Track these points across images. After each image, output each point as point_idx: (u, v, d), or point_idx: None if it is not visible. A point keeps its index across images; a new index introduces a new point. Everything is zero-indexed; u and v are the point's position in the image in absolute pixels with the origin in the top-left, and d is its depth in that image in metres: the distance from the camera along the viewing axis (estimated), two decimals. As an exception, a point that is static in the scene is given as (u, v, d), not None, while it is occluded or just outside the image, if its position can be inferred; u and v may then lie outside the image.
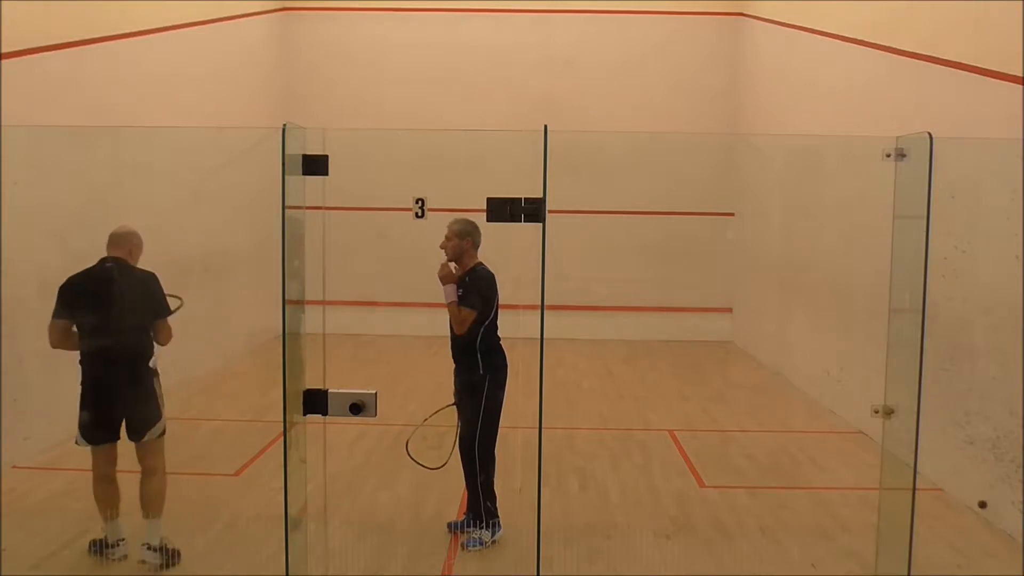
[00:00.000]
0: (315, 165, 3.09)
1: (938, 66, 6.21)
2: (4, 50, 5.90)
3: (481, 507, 4.82)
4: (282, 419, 2.97)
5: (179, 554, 4.48)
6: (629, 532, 5.14)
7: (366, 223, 11.43)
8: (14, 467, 5.86)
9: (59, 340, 4.30)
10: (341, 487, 5.71)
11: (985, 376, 5.40)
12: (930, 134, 3.43)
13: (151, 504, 4.44)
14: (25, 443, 6.01)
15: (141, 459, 4.46)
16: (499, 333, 4.90)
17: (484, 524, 4.82)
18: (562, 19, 12.41)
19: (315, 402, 2.92)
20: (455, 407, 4.92)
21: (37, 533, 4.83)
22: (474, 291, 4.72)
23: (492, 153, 9.99)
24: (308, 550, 3.39)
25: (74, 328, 4.33)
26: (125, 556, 4.49)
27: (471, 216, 4.71)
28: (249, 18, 11.12)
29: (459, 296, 4.72)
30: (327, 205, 3.23)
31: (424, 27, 12.40)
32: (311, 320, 3.25)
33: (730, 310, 12.19)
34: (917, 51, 6.60)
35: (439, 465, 4.90)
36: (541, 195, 3.54)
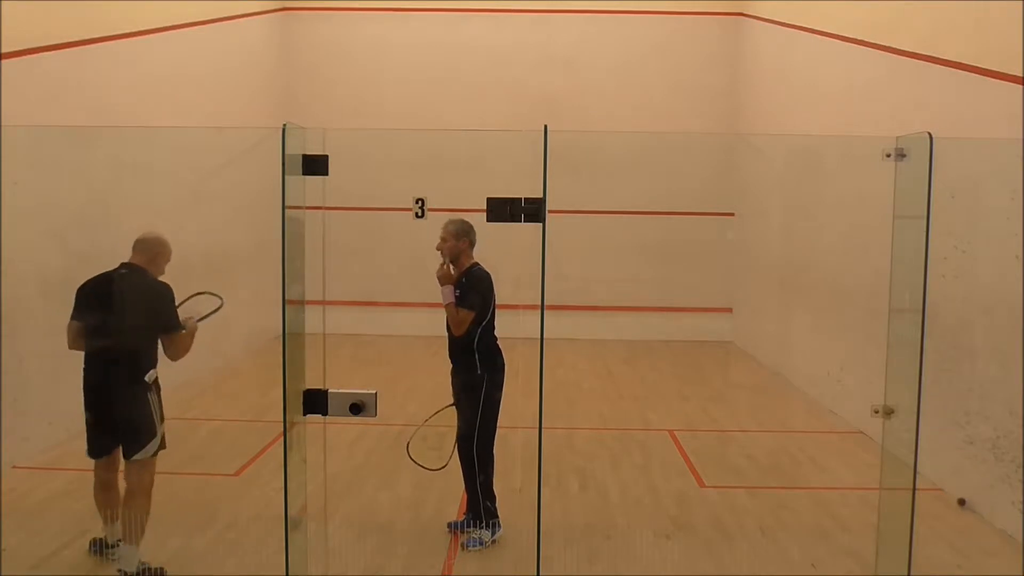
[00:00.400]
0: (315, 165, 3.08)
1: (938, 66, 6.21)
2: (4, 50, 5.90)
3: (480, 507, 4.82)
4: (282, 419, 2.97)
5: (163, 572, 4.31)
6: (629, 532, 5.14)
7: (366, 223, 11.44)
8: (14, 467, 5.86)
9: (72, 341, 4.28)
10: (341, 487, 5.71)
11: (985, 376, 5.40)
12: (930, 134, 3.43)
13: (128, 528, 4.19)
14: (25, 443, 6.00)
15: (125, 476, 4.30)
16: (497, 333, 4.90)
17: (484, 524, 4.82)
18: (562, 19, 12.41)
19: (315, 402, 2.91)
20: (454, 407, 4.93)
21: (37, 533, 4.83)
22: (472, 292, 4.73)
23: (492, 153, 9.98)
24: (308, 550, 3.39)
25: None
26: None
27: (472, 216, 4.71)
28: (249, 18, 11.11)
29: (456, 297, 4.72)
30: (327, 205, 3.23)
31: (424, 27, 12.40)
32: (311, 320, 3.25)
33: (730, 310, 12.19)
34: (917, 51, 6.60)
35: (440, 466, 4.90)
36: (541, 195, 3.54)
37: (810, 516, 5.43)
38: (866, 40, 7.61)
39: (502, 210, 3.50)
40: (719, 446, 7.19)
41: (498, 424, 4.87)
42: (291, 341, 3.08)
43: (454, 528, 4.98)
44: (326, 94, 12.26)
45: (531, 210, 3.51)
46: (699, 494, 5.83)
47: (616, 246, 12.10)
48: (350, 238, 11.03)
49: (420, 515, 5.30)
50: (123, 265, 4.32)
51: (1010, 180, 5.05)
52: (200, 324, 4.45)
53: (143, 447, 4.23)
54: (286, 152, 2.99)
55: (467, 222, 4.81)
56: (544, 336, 3.91)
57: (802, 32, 9.35)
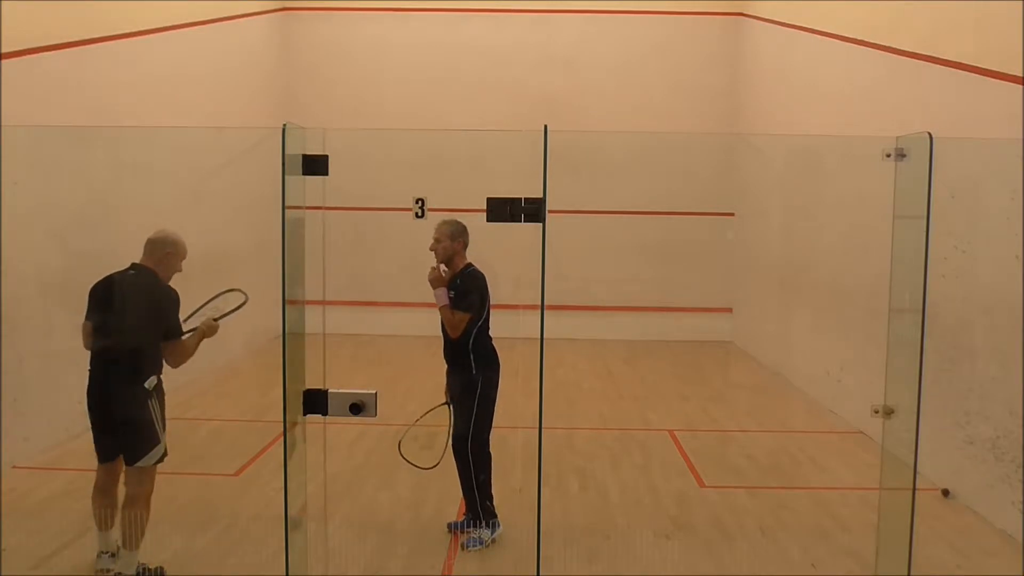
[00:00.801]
0: (315, 165, 3.08)
1: (938, 66, 6.21)
2: (4, 50, 5.90)
3: (478, 506, 4.82)
4: (282, 419, 2.97)
5: (162, 571, 4.32)
6: (629, 532, 5.14)
7: (366, 223, 11.45)
8: (14, 467, 5.86)
9: (86, 340, 4.26)
10: (341, 487, 5.71)
11: (985, 376, 5.40)
12: (930, 134, 3.43)
13: (127, 534, 4.17)
14: (25, 443, 6.00)
15: (126, 482, 4.26)
16: (494, 333, 4.90)
17: (484, 523, 4.82)
18: (562, 19, 12.41)
19: (315, 402, 2.91)
20: (447, 406, 4.94)
21: (37, 533, 4.83)
22: (468, 293, 4.72)
23: (492, 153, 9.99)
24: (308, 550, 3.39)
25: None
26: (108, 570, 4.31)
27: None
28: (249, 18, 11.11)
29: (451, 299, 4.72)
30: (327, 205, 3.23)
31: (424, 27, 12.40)
32: (311, 320, 3.25)
33: (730, 310, 12.19)
34: (917, 51, 6.60)
35: (432, 465, 4.90)
36: (541, 195, 3.54)
37: (810, 516, 5.43)
38: (866, 40, 7.61)
39: (502, 210, 3.50)
40: (719, 446, 7.19)
41: (499, 424, 4.87)
42: (291, 341, 3.08)
43: (454, 528, 4.98)
44: (326, 94, 12.26)
45: (531, 210, 3.51)
46: (699, 494, 5.83)
47: (616, 246, 12.10)
48: (350, 238, 11.03)
49: (420, 515, 5.30)
50: (132, 266, 4.29)
51: (1010, 180, 5.06)
52: (220, 322, 4.40)
53: (144, 454, 4.19)
54: (286, 152, 2.99)
55: (461, 223, 4.81)
56: (544, 336, 3.91)
57: (802, 32, 9.35)
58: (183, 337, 4.26)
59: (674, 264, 12.07)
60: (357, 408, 2.86)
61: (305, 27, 12.46)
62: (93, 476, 4.37)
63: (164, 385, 4.32)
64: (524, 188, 3.56)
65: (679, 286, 12.15)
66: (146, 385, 4.17)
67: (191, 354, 4.28)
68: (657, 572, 4.61)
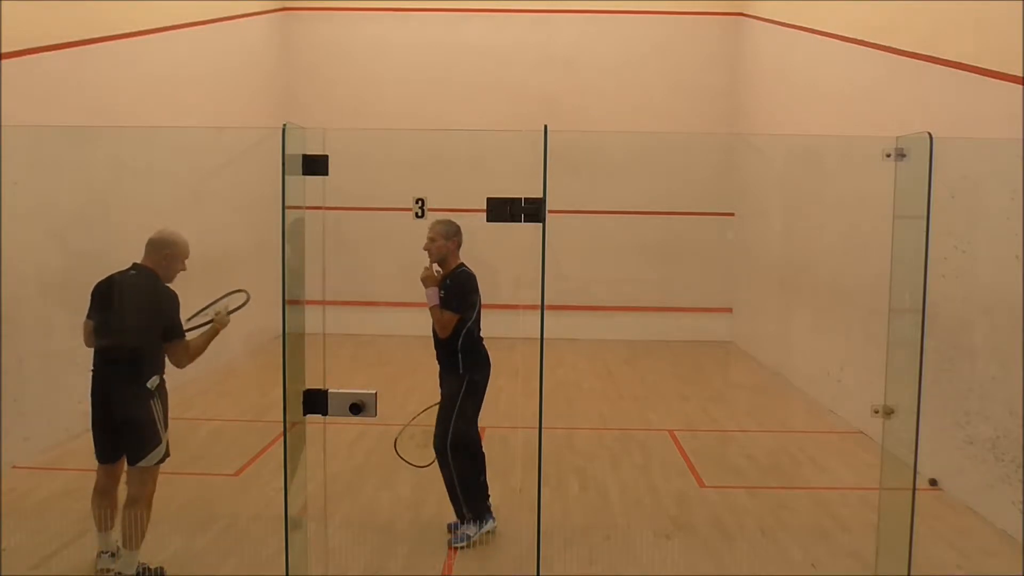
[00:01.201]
0: (315, 165, 3.09)
1: (938, 66, 6.21)
2: (4, 50, 5.90)
3: (461, 503, 4.84)
4: (282, 419, 2.97)
5: (162, 571, 4.33)
6: (629, 532, 5.14)
7: (366, 223, 11.45)
8: (14, 467, 5.86)
9: (86, 339, 4.26)
10: (341, 487, 5.71)
11: (985, 376, 5.40)
12: (930, 134, 3.44)
13: (128, 534, 4.17)
14: (25, 443, 6.00)
15: (128, 482, 4.25)
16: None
17: (471, 519, 4.82)
18: (562, 19, 12.41)
19: (315, 402, 2.91)
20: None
21: (37, 533, 4.83)
22: (456, 294, 4.72)
23: (492, 153, 9.99)
24: (308, 550, 3.40)
25: None
26: (108, 570, 4.31)
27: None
28: (249, 18, 11.11)
29: (441, 299, 4.72)
30: (327, 205, 3.23)
31: (424, 27, 12.40)
32: (311, 320, 3.25)
33: (730, 310, 12.19)
34: (917, 51, 6.60)
35: (428, 463, 4.90)
36: (541, 195, 3.54)
37: (810, 516, 5.43)
38: (866, 40, 7.61)
39: (502, 210, 3.50)
40: (719, 446, 7.19)
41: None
42: (291, 341, 3.08)
43: (454, 529, 4.98)
44: (326, 94, 12.26)
45: (531, 210, 3.51)
46: (699, 494, 5.83)
47: (616, 246, 12.09)
48: (350, 238, 11.03)
49: (420, 515, 5.30)
50: (133, 266, 4.29)
51: (1010, 180, 5.05)
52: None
53: (146, 454, 4.18)
54: (286, 152, 2.99)
55: (455, 223, 4.82)
56: (544, 336, 3.91)
57: (802, 32, 9.35)
58: (188, 336, 4.26)
59: (674, 264, 12.07)
60: (357, 408, 2.86)
61: (305, 27, 12.46)
62: (93, 476, 4.37)
63: (167, 385, 4.31)
64: (524, 188, 3.57)
65: (679, 286, 12.15)
66: (148, 385, 4.17)
67: (199, 353, 4.29)
68: (657, 572, 4.61)
